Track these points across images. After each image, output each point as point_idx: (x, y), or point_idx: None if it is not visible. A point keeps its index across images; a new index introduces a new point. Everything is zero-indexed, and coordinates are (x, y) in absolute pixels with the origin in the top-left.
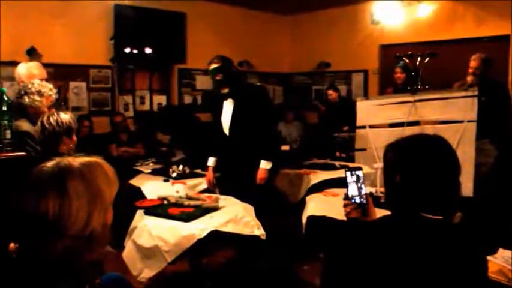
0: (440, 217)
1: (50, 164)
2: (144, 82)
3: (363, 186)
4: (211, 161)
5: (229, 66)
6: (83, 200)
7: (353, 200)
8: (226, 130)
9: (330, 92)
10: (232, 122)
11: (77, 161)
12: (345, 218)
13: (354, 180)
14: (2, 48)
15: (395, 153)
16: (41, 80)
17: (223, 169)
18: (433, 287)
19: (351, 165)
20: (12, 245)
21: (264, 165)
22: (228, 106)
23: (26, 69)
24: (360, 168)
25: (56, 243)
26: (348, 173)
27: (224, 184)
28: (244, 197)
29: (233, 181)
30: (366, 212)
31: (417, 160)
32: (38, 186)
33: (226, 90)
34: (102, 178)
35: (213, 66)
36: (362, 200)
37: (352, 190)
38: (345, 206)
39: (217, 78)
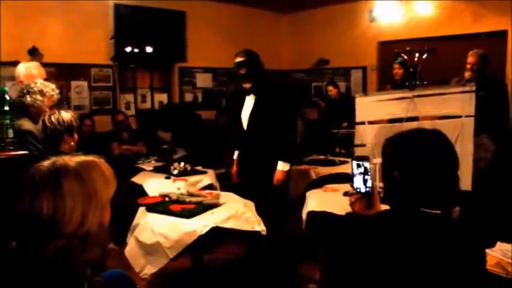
0: (439, 211)
1: (46, 163)
2: (145, 81)
3: (368, 176)
4: (236, 154)
5: (254, 61)
6: (77, 199)
7: (358, 190)
8: (244, 125)
9: (330, 88)
10: (251, 117)
11: (74, 160)
12: (344, 214)
13: (360, 171)
14: (3, 48)
15: (393, 148)
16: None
17: (239, 166)
18: (432, 281)
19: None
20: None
21: (282, 166)
22: (249, 101)
23: (25, 69)
24: (367, 159)
25: (52, 242)
26: (355, 163)
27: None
28: (257, 196)
29: (248, 179)
30: (370, 203)
31: (415, 155)
32: (32, 185)
33: (248, 85)
34: (98, 177)
35: (238, 59)
36: (367, 189)
37: (358, 180)
38: (350, 195)
39: (241, 72)
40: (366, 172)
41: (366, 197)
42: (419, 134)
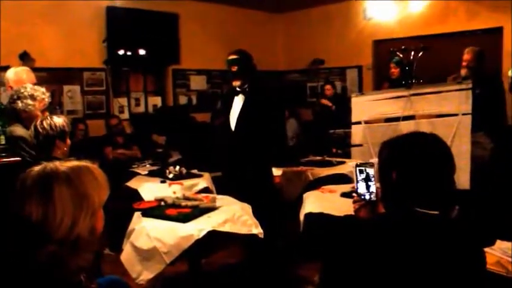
0: (437, 212)
1: (37, 168)
2: (138, 84)
3: (371, 183)
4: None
5: (247, 61)
6: (67, 204)
7: (362, 197)
8: (232, 125)
9: (328, 87)
10: (239, 117)
11: (65, 165)
12: (342, 215)
13: (363, 177)
14: None
15: (390, 150)
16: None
17: (226, 167)
18: (432, 282)
19: (348, 161)
20: None
21: (276, 172)
22: (238, 102)
23: (15, 74)
24: (371, 165)
25: (42, 248)
26: (358, 169)
27: (225, 182)
28: (245, 197)
29: (235, 179)
30: (375, 209)
31: (412, 157)
32: (23, 190)
33: (237, 83)
34: (90, 182)
35: (231, 57)
36: (371, 197)
37: (361, 186)
38: (354, 202)
39: (232, 69)
40: (368, 178)
41: (371, 204)
42: (415, 137)
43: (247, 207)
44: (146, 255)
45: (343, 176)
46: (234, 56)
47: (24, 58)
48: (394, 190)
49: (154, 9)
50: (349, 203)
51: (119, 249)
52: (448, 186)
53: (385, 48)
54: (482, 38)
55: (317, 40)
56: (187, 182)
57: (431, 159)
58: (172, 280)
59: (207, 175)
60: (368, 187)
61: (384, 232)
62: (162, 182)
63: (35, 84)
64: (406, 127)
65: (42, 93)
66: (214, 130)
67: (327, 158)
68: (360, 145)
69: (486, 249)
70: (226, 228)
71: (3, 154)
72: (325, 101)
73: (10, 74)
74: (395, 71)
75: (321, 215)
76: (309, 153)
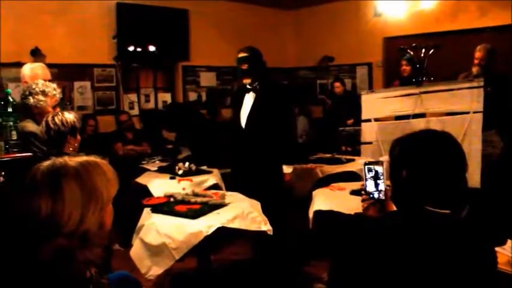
0: (448, 211)
1: (46, 163)
2: (148, 80)
3: (380, 181)
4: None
5: (257, 59)
6: (76, 199)
7: (371, 196)
8: (243, 123)
9: (337, 84)
10: (250, 114)
11: (74, 160)
12: (352, 212)
13: (371, 176)
14: (6, 49)
15: (401, 148)
16: (45, 80)
17: (236, 164)
18: (442, 281)
19: (358, 159)
20: None
21: (286, 169)
22: (248, 99)
23: (30, 70)
24: (380, 163)
25: (50, 242)
26: (366, 168)
27: (234, 179)
28: (254, 194)
29: (244, 177)
30: (384, 208)
31: (423, 155)
32: (32, 185)
33: (248, 81)
34: (98, 177)
35: (241, 55)
36: (380, 195)
37: (370, 184)
38: (363, 201)
39: (243, 67)
40: (377, 176)
41: (380, 202)
42: (427, 135)
43: (257, 204)
44: (155, 251)
45: (352, 174)
46: (244, 54)
47: (36, 54)
48: (404, 188)
49: (164, 6)
50: (359, 201)
51: (128, 245)
52: (459, 185)
53: (395, 45)
54: (494, 35)
55: (327, 37)
56: (197, 179)
57: (443, 158)
58: (181, 276)
59: (216, 171)
60: (377, 185)
61: (394, 231)
62: (172, 178)
63: (49, 80)
64: (416, 125)
65: (54, 89)
66: (219, 127)
67: (336, 156)
68: (370, 143)
69: (497, 249)
70: (236, 224)
71: (15, 149)
72: (324, 98)
73: (26, 69)
74: (407, 68)
75: (330, 213)
76: (318, 151)
